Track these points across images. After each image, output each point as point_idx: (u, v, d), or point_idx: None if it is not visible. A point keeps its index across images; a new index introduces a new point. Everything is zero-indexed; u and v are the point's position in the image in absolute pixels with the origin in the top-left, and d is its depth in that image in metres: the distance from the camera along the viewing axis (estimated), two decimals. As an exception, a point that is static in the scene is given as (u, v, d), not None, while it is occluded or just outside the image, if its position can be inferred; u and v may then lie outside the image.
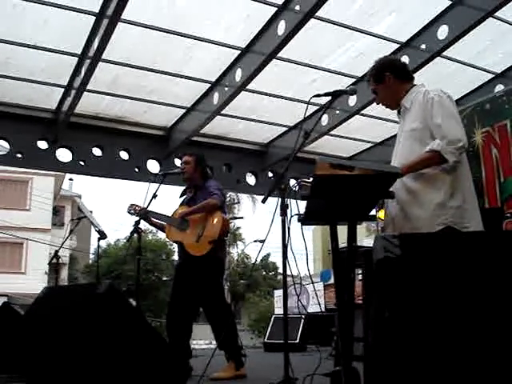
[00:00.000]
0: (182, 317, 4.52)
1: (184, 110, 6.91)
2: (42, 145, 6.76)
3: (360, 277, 3.23)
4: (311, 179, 2.57)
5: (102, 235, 5.15)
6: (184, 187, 4.99)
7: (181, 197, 4.94)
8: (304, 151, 7.02)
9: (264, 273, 34.07)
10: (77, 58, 5.63)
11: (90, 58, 5.33)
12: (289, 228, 3.04)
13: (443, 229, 2.64)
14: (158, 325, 19.05)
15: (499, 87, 6.18)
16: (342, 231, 2.80)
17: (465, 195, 2.73)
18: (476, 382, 1.75)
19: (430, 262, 1.88)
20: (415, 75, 3.11)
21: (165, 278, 26.81)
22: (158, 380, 2.87)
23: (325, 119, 6.85)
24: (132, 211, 4.83)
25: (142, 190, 4.63)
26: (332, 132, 7.22)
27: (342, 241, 2.76)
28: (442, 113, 2.73)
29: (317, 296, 9.74)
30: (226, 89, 6.14)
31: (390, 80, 2.99)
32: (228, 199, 26.11)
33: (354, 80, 6.12)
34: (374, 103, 3.76)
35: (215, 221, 4.53)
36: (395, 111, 3.13)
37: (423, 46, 5.50)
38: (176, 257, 5.66)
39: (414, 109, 2.89)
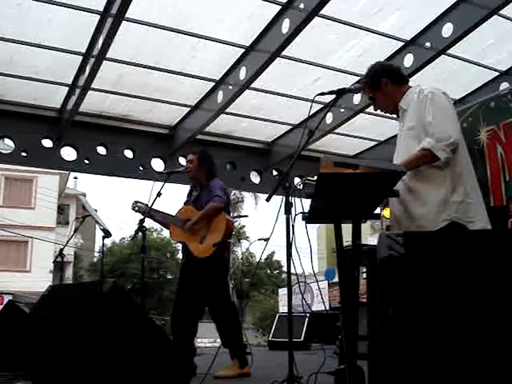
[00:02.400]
0: (187, 316, 4.51)
1: (188, 109, 6.91)
2: (47, 143, 6.79)
3: (364, 275, 3.23)
4: (315, 177, 2.57)
5: (107, 233, 5.15)
6: (190, 186, 4.98)
7: (188, 195, 4.92)
8: (308, 149, 7.04)
9: (268, 271, 34.09)
10: (81, 57, 5.65)
11: (95, 57, 5.34)
12: (293, 226, 3.04)
13: (448, 224, 2.64)
14: (163, 323, 19.08)
15: (504, 85, 6.15)
16: (347, 229, 2.79)
17: (467, 189, 2.72)
18: (480, 378, 1.74)
19: (434, 260, 1.87)
20: (420, 73, 3.11)
21: (169, 277, 26.88)
22: (162, 378, 2.88)
23: (329, 117, 6.84)
24: (136, 208, 4.83)
25: (147, 188, 4.64)
26: (336, 130, 7.22)
27: (347, 239, 2.75)
28: (433, 110, 2.74)
29: (321, 294, 9.73)
30: (231, 87, 6.15)
31: (386, 85, 2.99)
32: (232, 197, 26.11)
33: (358, 78, 6.08)
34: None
35: (219, 223, 4.49)
36: None
37: (428, 44, 5.48)
38: (180, 255, 5.67)
39: (411, 108, 2.90)
